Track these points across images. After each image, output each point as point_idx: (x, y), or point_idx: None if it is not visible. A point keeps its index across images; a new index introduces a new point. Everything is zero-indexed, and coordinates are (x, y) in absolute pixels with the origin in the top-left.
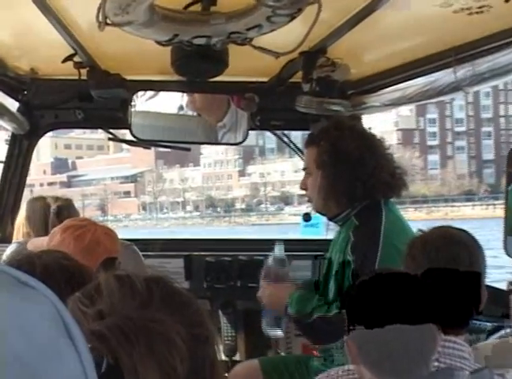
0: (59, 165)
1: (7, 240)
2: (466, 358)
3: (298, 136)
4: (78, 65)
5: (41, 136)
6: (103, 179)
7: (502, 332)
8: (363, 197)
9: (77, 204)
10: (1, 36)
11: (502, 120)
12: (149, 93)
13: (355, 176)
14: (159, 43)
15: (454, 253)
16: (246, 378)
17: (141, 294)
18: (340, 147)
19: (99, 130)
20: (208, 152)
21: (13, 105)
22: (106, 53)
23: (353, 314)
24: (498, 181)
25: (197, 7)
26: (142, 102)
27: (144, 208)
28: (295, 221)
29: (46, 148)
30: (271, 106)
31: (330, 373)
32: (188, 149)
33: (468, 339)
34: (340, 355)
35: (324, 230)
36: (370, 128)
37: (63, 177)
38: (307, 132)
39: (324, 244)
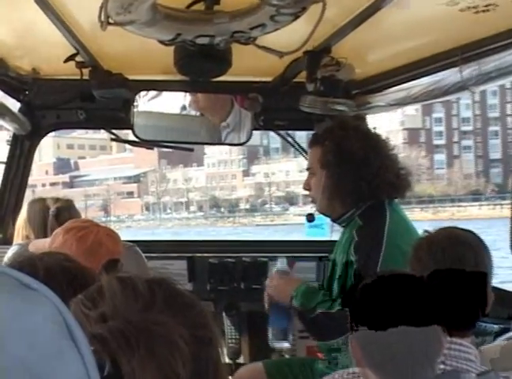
0: (61, 165)
1: (8, 241)
2: (472, 360)
3: (303, 136)
4: (80, 65)
5: (43, 136)
6: (105, 179)
7: (509, 334)
8: (368, 197)
9: (80, 205)
10: (2, 36)
11: (509, 119)
12: (152, 93)
13: (360, 176)
14: (161, 42)
15: (460, 254)
16: None
17: (144, 297)
18: (345, 147)
19: (102, 130)
20: (212, 152)
21: (14, 105)
22: (108, 52)
23: (358, 316)
24: (506, 180)
25: (201, 6)
26: (145, 102)
27: (147, 209)
28: (300, 221)
29: (48, 148)
30: (275, 106)
31: (335, 375)
32: (191, 150)
33: (474, 342)
34: (345, 358)
35: (329, 231)
36: (375, 128)
37: (65, 177)
38: (312, 132)
39: (329, 245)
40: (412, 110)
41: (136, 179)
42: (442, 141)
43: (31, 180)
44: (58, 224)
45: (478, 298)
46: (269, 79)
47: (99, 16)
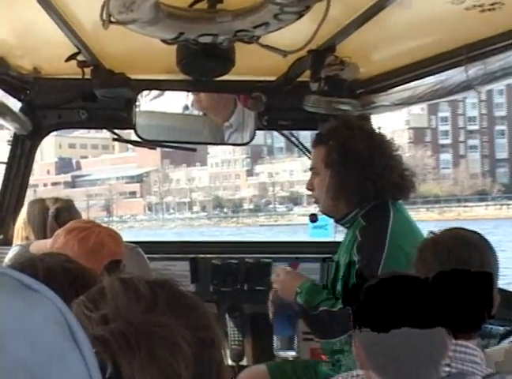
0: (63, 165)
1: (9, 242)
2: (478, 362)
3: (307, 136)
4: (82, 64)
5: (44, 136)
6: (108, 179)
7: None
8: (373, 197)
9: (82, 205)
10: (3, 35)
11: None
12: (154, 93)
13: (365, 176)
14: (164, 41)
15: (466, 256)
16: None
17: (146, 298)
18: (350, 146)
19: (104, 130)
20: (216, 152)
21: (15, 105)
22: (110, 51)
23: (362, 318)
24: None
25: (203, 4)
26: (147, 101)
27: (150, 209)
28: (304, 222)
29: (50, 148)
30: (278, 106)
31: (339, 378)
32: (194, 150)
33: (480, 344)
34: (349, 360)
35: (332, 232)
36: (379, 127)
37: (67, 177)
38: (316, 132)
39: (332, 246)
40: (418, 109)
41: (138, 179)
42: (448, 141)
43: (32, 180)
44: (57, 225)
45: (484, 299)
46: (272, 78)
47: (101, 15)
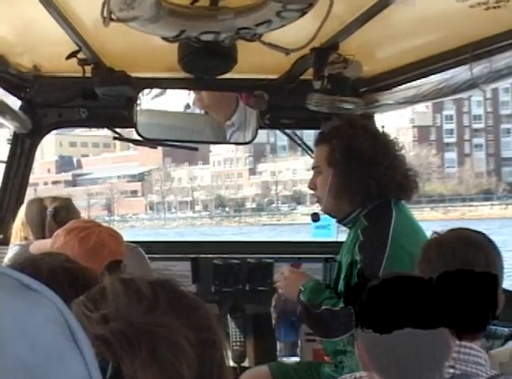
0: (64, 163)
1: (9, 242)
2: (482, 364)
3: (311, 134)
4: (82, 62)
5: (44, 135)
6: (109, 178)
7: None
8: (376, 197)
9: (83, 204)
10: (3, 32)
11: None
12: (155, 91)
13: (369, 174)
14: (165, 39)
15: (470, 256)
16: None
17: (147, 298)
18: (354, 145)
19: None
20: (218, 150)
21: (15, 103)
22: (111, 49)
23: (364, 318)
24: None
25: (205, 2)
26: (148, 100)
27: (151, 208)
28: (308, 221)
29: (50, 146)
30: (281, 105)
31: None
32: (195, 149)
33: (484, 345)
34: (351, 361)
35: (335, 232)
36: (383, 126)
37: (68, 175)
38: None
39: (335, 246)
40: (423, 107)
41: (140, 178)
42: (453, 139)
43: (32, 178)
44: (56, 224)
45: (488, 300)
46: (275, 76)
47: (102, 13)
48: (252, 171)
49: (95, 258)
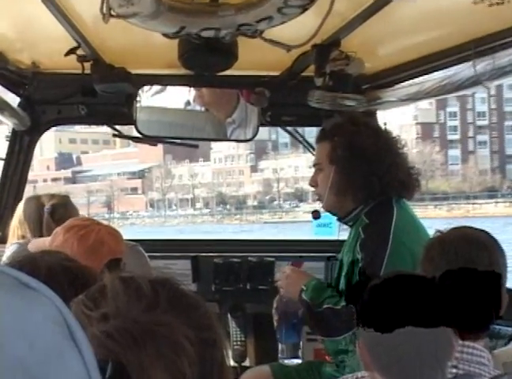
0: (63, 160)
1: (6, 240)
2: (485, 364)
3: (313, 131)
4: (81, 59)
5: (43, 132)
6: (109, 175)
7: None
8: (378, 194)
9: (82, 201)
10: (1, 29)
11: None
12: (155, 88)
13: (372, 171)
14: (165, 35)
15: (473, 255)
16: None
17: (147, 297)
18: (356, 142)
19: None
20: (219, 147)
21: (13, 100)
22: (110, 46)
23: (366, 318)
24: None
25: None
26: (148, 97)
27: (151, 205)
28: (310, 219)
29: (49, 143)
30: (282, 102)
31: None
32: (196, 146)
33: (487, 345)
34: (353, 360)
35: (337, 230)
36: (385, 123)
37: (68, 172)
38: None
39: (337, 245)
40: (426, 104)
41: (140, 175)
42: (457, 136)
43: (32, 175)
44: (53, 222)
45: (492, 299)
46: (276, 73)
47: (101, 9)
48: (254, 168)
49: (94, 256)
